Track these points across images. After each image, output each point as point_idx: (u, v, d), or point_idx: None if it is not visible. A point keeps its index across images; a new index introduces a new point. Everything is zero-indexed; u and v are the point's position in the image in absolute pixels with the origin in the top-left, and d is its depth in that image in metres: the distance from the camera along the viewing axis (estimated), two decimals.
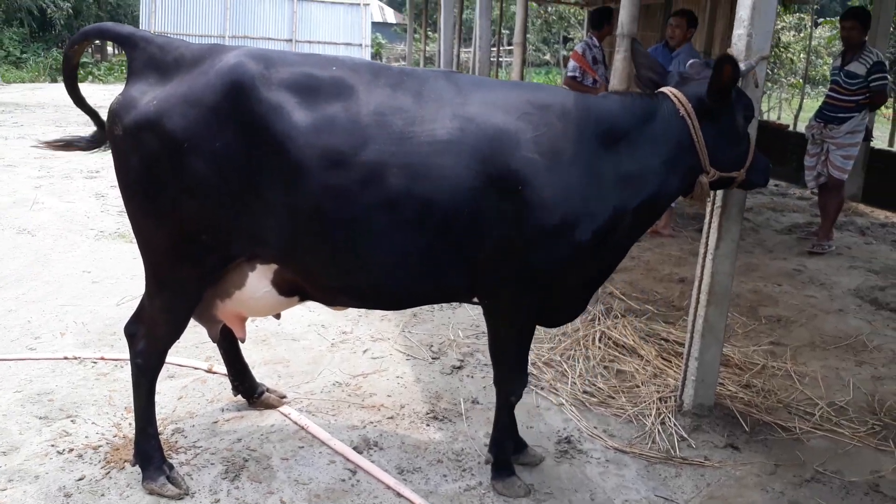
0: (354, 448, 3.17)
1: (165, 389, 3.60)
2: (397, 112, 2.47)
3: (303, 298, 2.82)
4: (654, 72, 2.97)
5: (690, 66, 3.04)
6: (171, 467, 2.84)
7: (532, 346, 4.35)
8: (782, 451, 3.38)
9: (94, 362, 3.86)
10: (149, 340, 2.77)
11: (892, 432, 3.59)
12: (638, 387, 3.94)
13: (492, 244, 2.55)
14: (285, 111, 2.40)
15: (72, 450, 3.04)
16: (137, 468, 2.85)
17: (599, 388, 3.93)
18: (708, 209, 3.46)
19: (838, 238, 7.30)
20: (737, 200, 3.35)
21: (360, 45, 24.15)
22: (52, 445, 3.06)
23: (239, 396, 3.49)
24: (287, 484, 2.91)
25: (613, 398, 3.83)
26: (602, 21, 7.19)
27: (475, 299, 2.84)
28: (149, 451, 2.82)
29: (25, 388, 3.53)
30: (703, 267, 3.47)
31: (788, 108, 18.63)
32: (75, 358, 3.87)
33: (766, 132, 11.04)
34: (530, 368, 4.11)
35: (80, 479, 2.84)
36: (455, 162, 2.44)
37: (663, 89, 2.83)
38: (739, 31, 3.16)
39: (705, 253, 3.44)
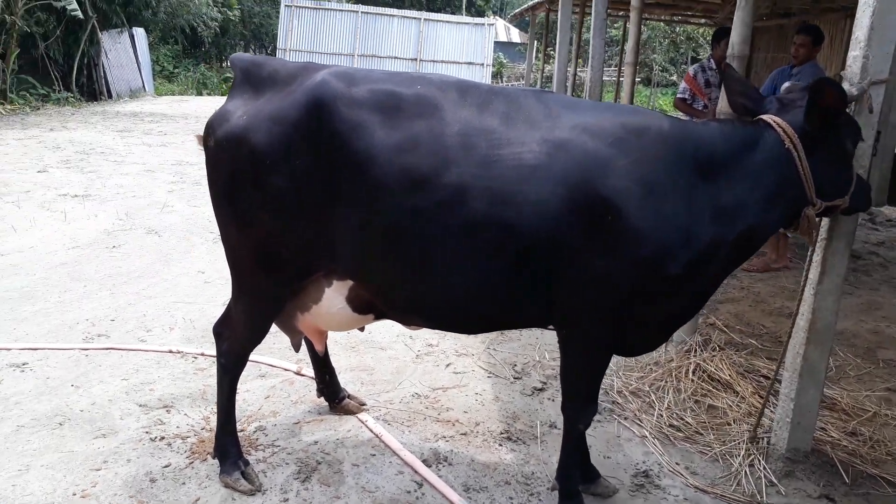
0: (424, 461, 3.19)
1: (255, 388, 3.79)
2: (483, 134, 2.42)
3: (378, 317, 2.84)
4: (748, 98, 2.79)
5: (787, 89, 2.86)
6: (246, 463, 2.97)
7: (620, 373, 4.25)
8: None
9: (195, 357, 4.12)
10: (232, 342, 2.91)
11: None
12: (729, 424, 3.72)
13: (576, 274, 2.45)
14: (367, 130, 2.41)
15: (163, 438, 3.25)
16: (217, 461, 3.01)
17: (687, 422, 3.74)
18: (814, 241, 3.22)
19: None
20: (844, 232, 3.10)
21: (483, 63, 24.43)
22: (147, 432, 3.29)
23: (322, 399, 3.61)
24: (354, 490, 2.97)
25: (701, 434, 3.64)
26: (718, 41, 6.90)
27: (551, 326, 2.78)
28: (227, 447, 2.96)
29: (132, 377, 3.82)
30: (803, 302, 3.24)
31: None
32: (179, 352, 4.14)
33: None
34: (615, 396, 3.99)
35: (166, 467, 3.03)
36: (540, 188, 2.36)
37: (764, 117, 2.66)
38: (855, 53, 2.94)
39: (805, 287, 3.21)
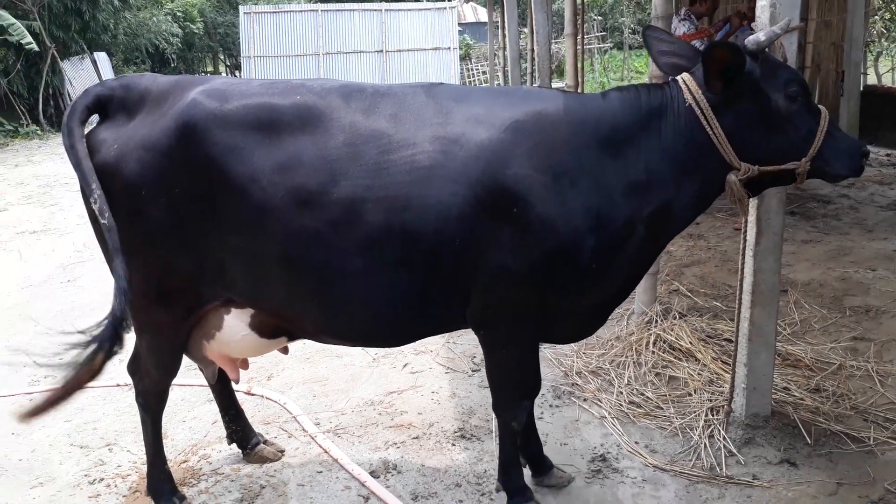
0: (372, 472, 3.09)
1: (202, 414, 3.68)
2: (371, 139, 2.27)
3: (291, 338, 2.70)
4: (679, 56, 2.55)
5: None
6: (182, 498, 2.87)
7: (581, 353, 4.15)
8: (849, 466, 2.99)
9: None
10: (146, 381, 2.77)
11: None
12: (690, 395, 3.62)
13: (488, 273, 2.32)
14: (244, 151, 2.25)
15: (102, 479, 3.15)
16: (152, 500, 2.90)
17: (647, 397, 3.64)
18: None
19: None
20: (777, 190, 2.98)
21: (449, 48, 24.16)
22: (86, 475, 3.18)
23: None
24: None
25: (661, 408, 3.54)
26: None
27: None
28: (158, 484, 2.86)
29: (75, 418, 3.71)
30: (745, 265, 3.12)
31: None
32: (126, 385, 4.02)
33: (875, 97, 10.04)
34: (575, 378, 3.89)
35: None
36: (439, 190, 2.23)
37: (678, 77, 2.49)
38: (763, 2, 2.81)
39: (744, 248, 3.09)
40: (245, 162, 2.25)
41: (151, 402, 2.81)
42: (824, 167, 2.44)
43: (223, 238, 2.34)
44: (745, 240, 3.09)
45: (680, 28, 6.33)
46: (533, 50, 9.07)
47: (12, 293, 5.85)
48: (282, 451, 3.24)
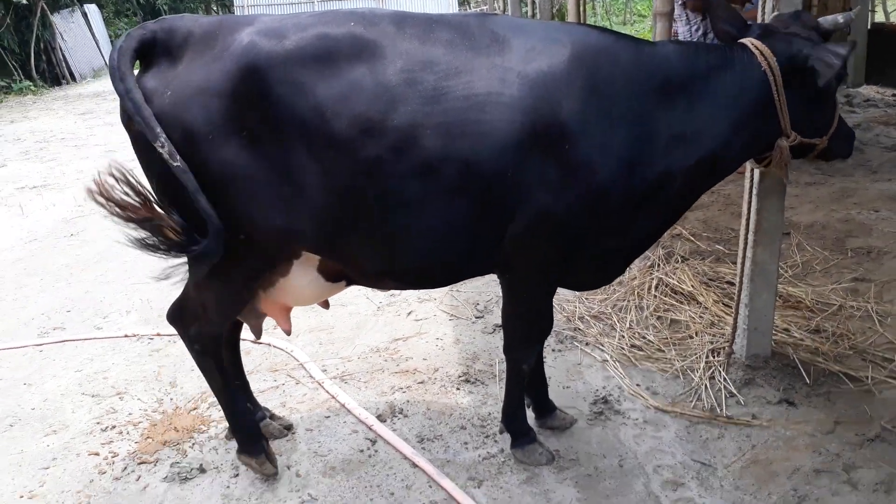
0: (379, 416, 3.15)
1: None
2: (428, 66, 2.22)
3: (349, 283, 2.66)
4: (732, 25, 2.62)
5: (776, 17, 2.69)
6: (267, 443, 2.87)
7: (583, 298, 4.18)
8: (847, 405, 3.04)
9: (151, 339, 4.06)
10: (203, 324, 2.66)
11: None
12: (691, 337, 3.66)
13: (529, 213, 2.31)
14: (306, 85, 2.19)
15: (114, 427, 3.21)
16: (168, 447, 2.97)
17: (649, 340, 3.69)
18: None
19: None
20: None
21: None
22: (98, 423, 3.25)
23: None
24: (306, 456, 2.93)
25: (663, 351, 3.58)
26: None
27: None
28: (246, 428, 2.83)
29: (85, 367, 3.77)
30: (748, 204, 3.12)
31: None
32: (133, 335, 4.08)
33: (882, 35, 9.84)
34: (577, 323, 3.93)
35: (115, 456, 3.00)
36: (496, 117, 2.20)
37: (743, 40, 2.50)
38: None
39: (751, 188, 3.08)
40: (309, 96, 2.19)
41: (209, 345, 2.70)
42: (833, 146, 2.65)
43: (292, 178, 2.25)
44: (749, 179, 3.08)
45: (680, 26, 6.13)
46: None
47: (15, 247, 5.87)
48: (288, 428, 3.12)
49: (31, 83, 18.59)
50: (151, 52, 2.30)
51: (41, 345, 4.06)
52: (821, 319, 3.69)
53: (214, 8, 34.77)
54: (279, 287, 2.61)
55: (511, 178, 2.26)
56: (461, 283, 4.48)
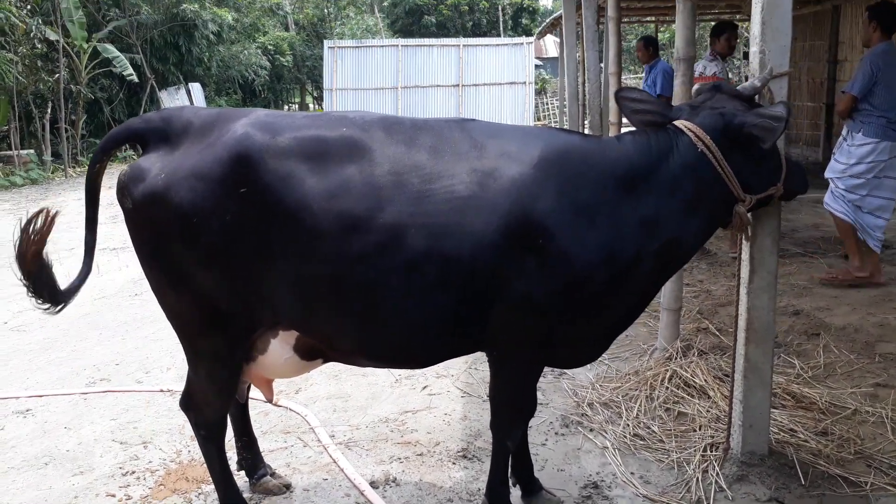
0: (373, 482, 3.30)
1: None
2: (413, 170, 2.43)
3: (326, 360, 2.85)
4: (653, 112, 2.74)
5: (696, 91, 2.89)
6: None
7: (596, 385, 4.24)
8: None
9: None
10: (205, 412, 2.86)
11: None
12: (695, 430, 3.66)
13: (511, 299, 2.49)
14: (295, 180, 2.39)
15: (134, 472, 3.48)
16: (176, 494, 3.20)
17: (652, 431, 3.71)
18: (741, 238, 3.18)
19: None
20: (770, 229, 3.06)
21: (524, 82, 24.50)
22: (120, 468, 3.52)
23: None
24: None
25: (663, 442, 3.60)
26: (718, 35, 6.71)
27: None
28: None
29: (120, 417, 4.09)
30: (739, 303, 3.19)
31: None
32: (168, 391, 4.40)
33: None
34: (585, 409, 3.99)
35: (129, 499, 3.25)
36: (475, 218, 2.40)
37: (677, 123, 2.67)
38: (753, 49, 2.93)
39: (739, 287, 3.16)
40: (297, 190, 2.38)
41: (214, 432, 2.89)
42: (788, 188, 2.79)
43: (274, 262, 2.44)
44: (739, 278, 3.16)
45: (710, 68, 6.42)
46: (571, 87, 9.19)
47: (85, 304, 6.41)
48: (287, 487, 3.26)
49: (134, 153, 20.25)
50: (147, 139, 2.63)
51: (86, 393, 4.43)
52: (831, 422, 3.62)
53: (308, 89, 37.03)
54: (259, 362, 2.79)
55: (491, 272, 2.45)
56: (482, 363, 4.66)
